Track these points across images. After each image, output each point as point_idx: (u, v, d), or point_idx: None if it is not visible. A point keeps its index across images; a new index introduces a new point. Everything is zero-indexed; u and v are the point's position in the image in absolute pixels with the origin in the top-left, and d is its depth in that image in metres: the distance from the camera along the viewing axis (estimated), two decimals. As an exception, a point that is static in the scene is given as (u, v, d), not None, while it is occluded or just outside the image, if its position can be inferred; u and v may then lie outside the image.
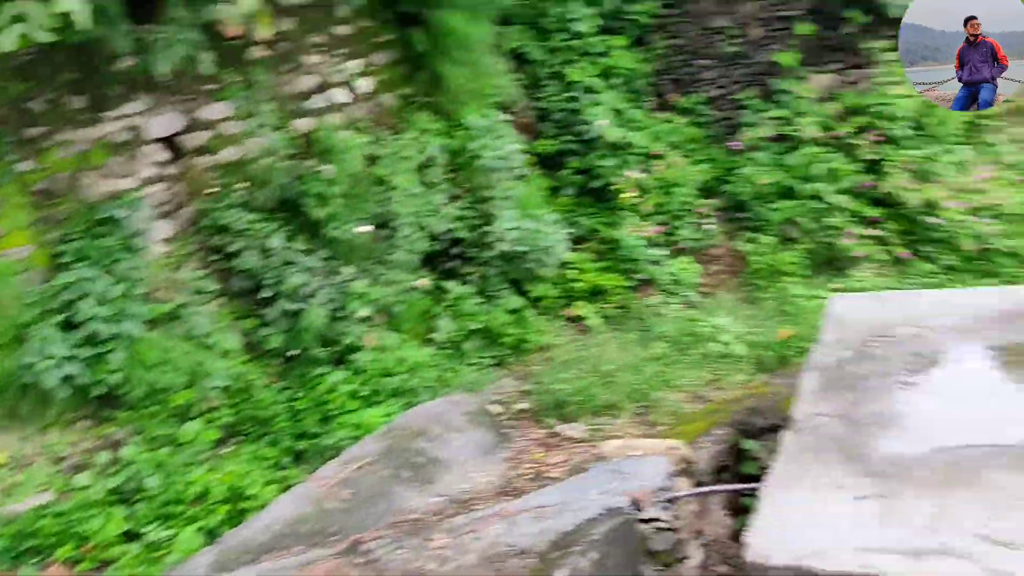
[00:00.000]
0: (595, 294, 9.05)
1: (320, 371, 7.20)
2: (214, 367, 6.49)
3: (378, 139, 8.28)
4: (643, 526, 3.74)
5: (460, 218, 8.63)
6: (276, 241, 7.14)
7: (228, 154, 7.49)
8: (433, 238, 8.43)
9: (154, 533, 5.45)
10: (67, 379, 5.61)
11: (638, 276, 9.22)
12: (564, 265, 9.10)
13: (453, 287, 8.45)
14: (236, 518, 5.80)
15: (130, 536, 5.58)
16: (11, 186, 6.25)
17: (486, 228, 8.58)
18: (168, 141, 7.22)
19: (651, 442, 4.60)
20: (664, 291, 9.08)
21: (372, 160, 8.06)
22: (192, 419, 6.32)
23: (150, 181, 7.02)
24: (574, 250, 9.28)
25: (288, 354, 7.20)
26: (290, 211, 7.49)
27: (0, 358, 5.77)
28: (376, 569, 3.95)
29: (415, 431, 5.89)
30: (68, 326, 5.82)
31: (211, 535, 5.55)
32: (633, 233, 9.43)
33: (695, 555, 4.06)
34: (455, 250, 8.69)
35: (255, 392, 6.78)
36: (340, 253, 7.52)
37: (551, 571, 3.34)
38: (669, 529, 3.80)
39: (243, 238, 7.09)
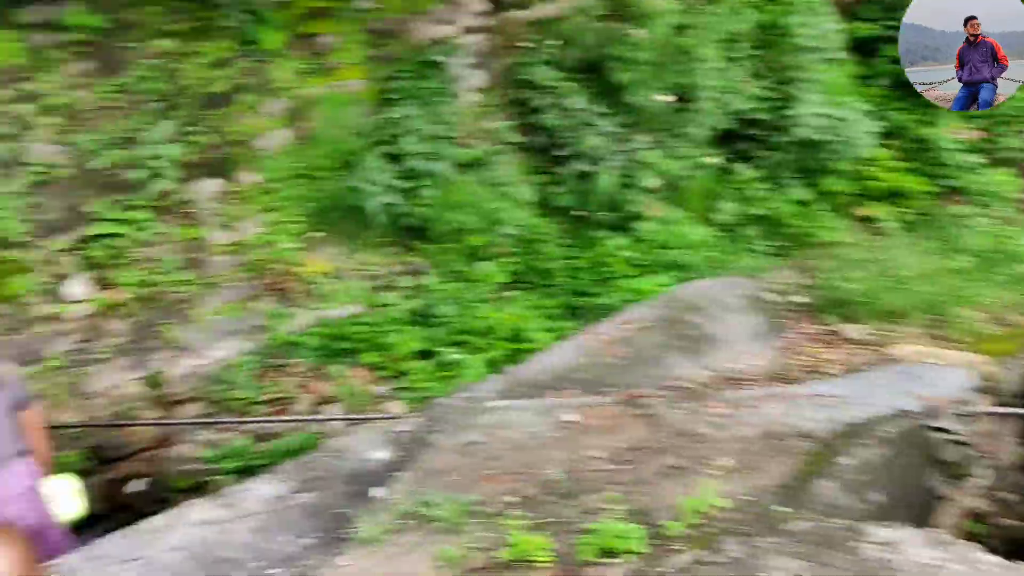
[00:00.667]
0: (894, 196, 8.47)
1: (602, 234, 7.42)
2: (509, 216, 6.89)
3: (690, 7, 8.05)
4: (935, 434, 3.63)
5: (761, 98, 8.28)
6: (577, 102, 7.30)
7: (543, 10, 7.65)
8: (730, 116, 8.20)
9: (445, 355, 6.04)
10: (386, 206, 6.21)
11: (946, 183, 8.49)
12: (864, 161, 8.55)
13: (742, 169, 8.24)
14: (513, 356, 6.27)
15: (423, 354, 6.22)
16: (351, 23, 6.81)
17: (787, 111, 8.20)
18: (490, -8, 7.51)
19: (952, 353, 4.37)
20: (975, 202, 8.31)
21: (680, 29, 7.88)
22: (484, 260, 6.80)
23: (469, 31, 7.37)
24: (879, 146, 8.66)
25: (575, 213, 7.46)
26: (594, 73, 7.56)
27: (331, 179, 6.48)
28: (653, 422, 4.16)
29: (689, 305, 5.98)
30: (390, 158, 6.39)
31: (491, 365, 6.06)
32: (949, 135, 8.63)
33: (983, 476, 3.90)
34: (750, 131, 8.41)
35: (541, 245, 7.14)
36: (637, 120, 7.56)
37: (835, 457, 3.35)
38: (962, 443, 3.67)
39: (547, 95, 7.31)
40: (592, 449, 4.07)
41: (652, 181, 7.53)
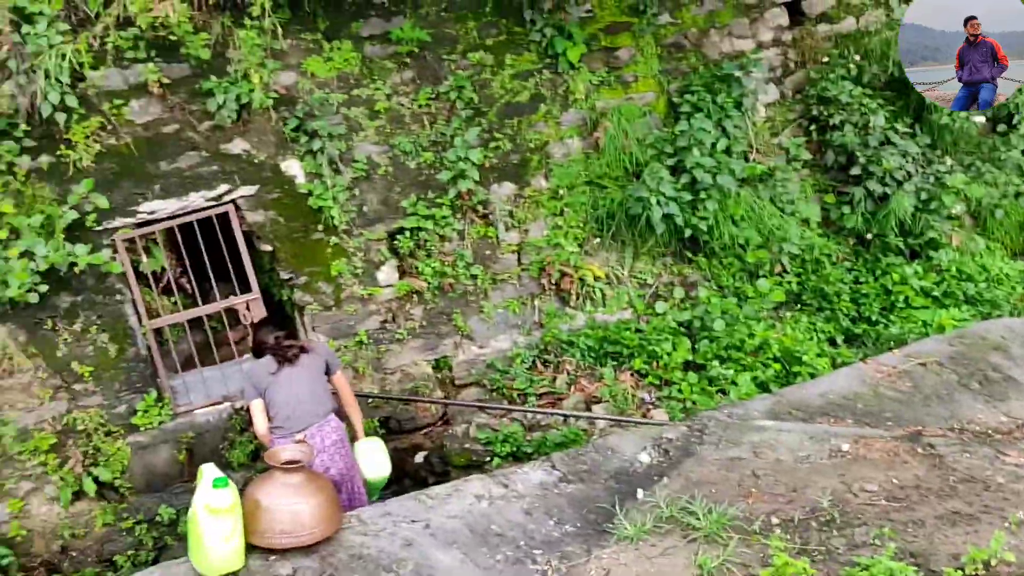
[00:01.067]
0: None
1: (893, 260, 7.02)
2: (791, 233, 6.73)
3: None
4: None
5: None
6: (878, 119, 6.95)
7: (847, 25, 7.38)
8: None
9: (713, 370, 6.04)
10: (667, 217, 6.31)
11: None
12: None
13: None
14: (785, 377, 6.13)
15: (691, 366, 6.26)
16: (648, 37, 6.98)
17: None
18: (791, 6, 7.35)
19: None
20: None
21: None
22: (762, 277, 6.70)
23: (767, 45, 7.28)
24: None
25: (863, 236, 7.12)
26: (898, 90, 7.17)
27: (616, 188, 6.69)
28: (938, 464, 3.91)
29: (992, 344, 5.51)
30: (675, 170, 6.48)
31: (761, 386, 5.97)
32: None
33: None
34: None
35: (824, 266, 6.90)
36: (943, 142, 7.06)
37: None
38: None
39: (845, 112, 7.03)
40: (865, 481, 3.92)
41: (956, 207, 6.99)
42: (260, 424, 4.62)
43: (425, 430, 6.26)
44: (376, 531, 3.74)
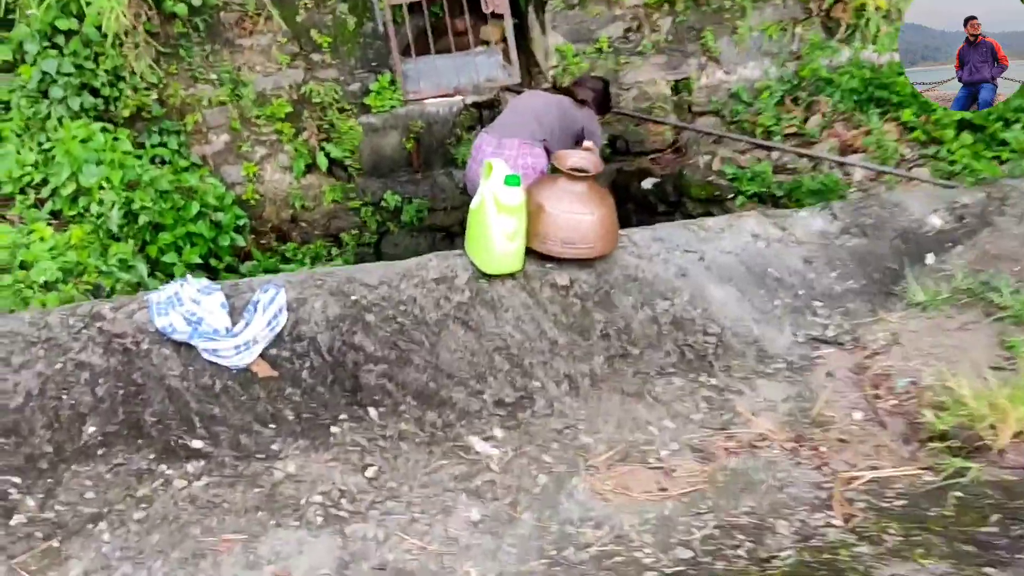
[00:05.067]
0: None
1: None
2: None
3: None
4: None
5: None
6: None
7: None
8: None
9: (998, 131, 5.29)
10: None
11: None
12: None
13: None
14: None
15: (965, 125, 5.52)
16: None
17: None
18: None
19: None
20: None
21: None
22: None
23: None
24: None
25: None
26: None
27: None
28: None
29: None
30: None
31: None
32: None
33: None
34: None
35: None
36: None
37: None
38: None
39: None
40: None
41: None
42: None
43: (652, 155, 5.90)
44: (650, 255, 3.52)
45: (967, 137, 5.36)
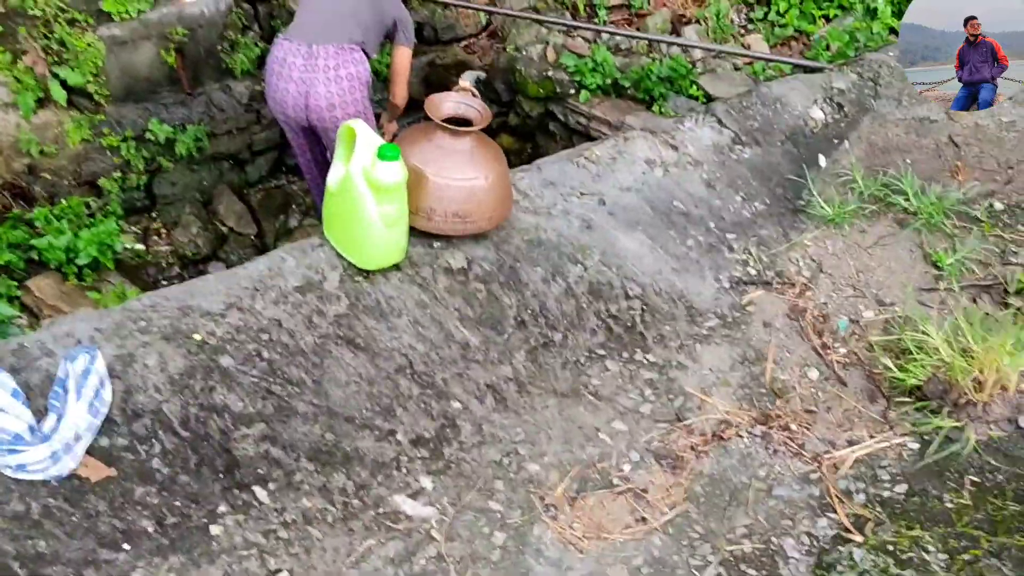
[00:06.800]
0: None
1: None
2: None
3: None
4: None
5: None
6: None
7: None
8: None
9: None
10: None
11: None
12: None
13: None
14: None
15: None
16: None
17: None
18: None
19: None
20: None
21: None
22: None
23: None
24: None
25: None
26: None
27: None
28: None
29: None
30: None
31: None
32: None
33: None
34: None
35: None
36: None
37: None
38: None
39: None
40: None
41: None
42: None
43: (465, 42, 5.12)
44: (547, 208, 2.92)
45: (793, -10, 5.05)
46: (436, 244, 2.65)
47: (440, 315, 2.55)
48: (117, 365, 2.18)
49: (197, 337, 2.29)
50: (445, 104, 2.62)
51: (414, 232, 2.60)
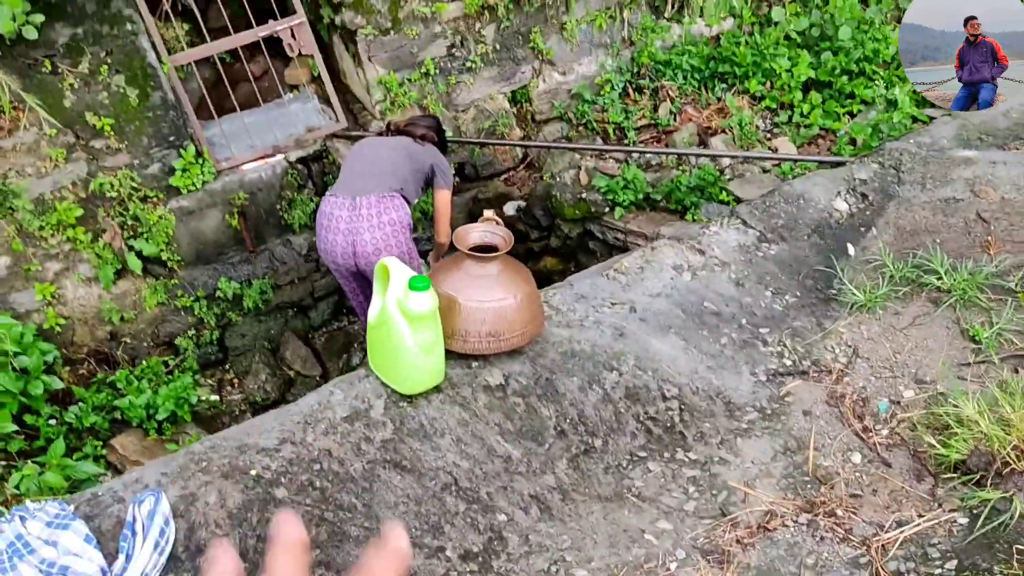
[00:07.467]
0: None
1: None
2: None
3: None
4: None
5: None
6: None
7: None
8: None
9: (844, 85, 5.21)
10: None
11: None
12: None
13: None
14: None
15: (811, 84, 5.42)
16: None
17: None
18: None
19: None
20: None
21: None
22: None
23: None
24: None
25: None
26: None
27: None
28: None
29: None
30: None
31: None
32: None
33: None
34: None
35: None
36: None
37: None
38: None
39: None
40: None
41: None
42: None
43: (504, 175, 5.42)
44: (579, 320, 3.06)
45: (816, 96, 5.25)
46: (474, 364, 2.80)
47: (481, 431, 2.67)
48: (180, 505, 2.35)
49: (253, 472, 2.45)
50: (472, 234, 2.82)
51: (452, 354, 2.75)
